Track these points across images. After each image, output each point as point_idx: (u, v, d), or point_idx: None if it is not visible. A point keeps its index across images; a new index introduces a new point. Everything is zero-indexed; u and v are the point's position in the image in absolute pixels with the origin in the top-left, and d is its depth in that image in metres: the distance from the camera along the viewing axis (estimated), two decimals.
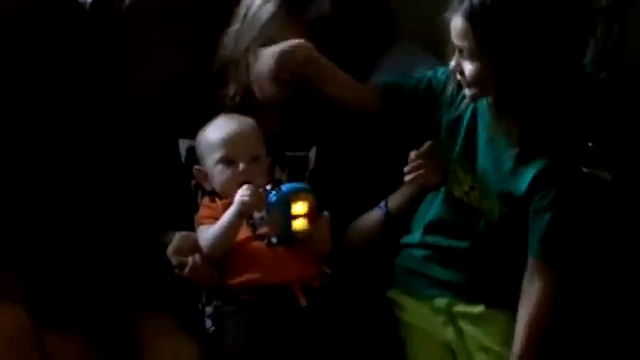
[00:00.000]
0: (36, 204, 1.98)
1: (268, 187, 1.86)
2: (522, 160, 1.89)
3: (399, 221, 2.06)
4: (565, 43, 1.84)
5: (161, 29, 2.14)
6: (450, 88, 1.97)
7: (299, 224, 1.86)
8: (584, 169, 2.22)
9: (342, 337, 1.87)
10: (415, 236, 2.03)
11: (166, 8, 2.16)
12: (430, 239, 2.01)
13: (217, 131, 1.95)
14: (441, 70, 2.01)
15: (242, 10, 2.01)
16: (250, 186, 1.86)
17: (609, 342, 2.07)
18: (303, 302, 1.86)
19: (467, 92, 1.92)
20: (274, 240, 1.89)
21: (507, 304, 1.93)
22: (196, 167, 1.97)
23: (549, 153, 1.88)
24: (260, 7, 1.98)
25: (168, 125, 2.03)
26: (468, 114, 1.98)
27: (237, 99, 2.03)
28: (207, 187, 1.97)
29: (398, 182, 2.03)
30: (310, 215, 1.87)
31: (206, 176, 1.96)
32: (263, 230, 1.89)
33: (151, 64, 2.13)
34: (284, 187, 1.86)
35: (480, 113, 1.96)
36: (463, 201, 1.97)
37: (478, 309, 1.95)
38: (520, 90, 1.84)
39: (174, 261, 1.88)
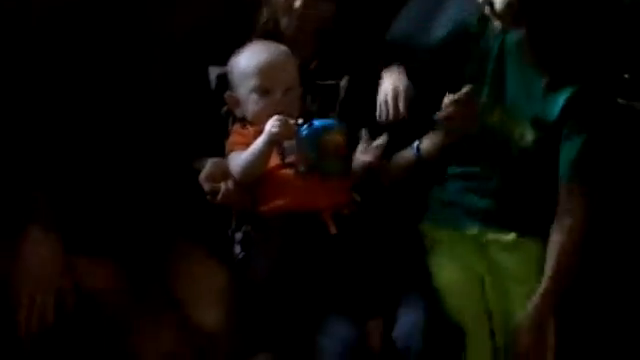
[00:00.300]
0: (70, 133, 1.98)
1: (300, 121, 1.86)
2: (552, 88, 1.87)
3: (431, 164, 2.02)
4: None
5: None
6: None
7: (328, 160, 1.86)
8: (620, 100, 2.20)
9: (370, 265, 1.88)
10: (451, 168, 2.01)
11: None
12: (464, 170, 1.99)
13: (252, 59, 1.93)
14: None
15: None
16: (280, 117, 1.85)
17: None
18: (333, 230, 1.86)
19: (497, 24, 1.89)
20: (301, 169, 1.88)
21: (540, 233, 1.92)
22: (228, 93, 1.97)
23: (580, 81, 1.86)
24: None
25: (198, 52, 2.01)
26: (495, 48, 1.94)
27: (270, 24, 2.01)
28: (238, 114, 1.96)
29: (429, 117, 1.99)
30: (339, 152, 1.87)
31: (238, 103, 1.95)
32: (291, 159, 1.89)
33: None
34: (315, 122, 1.86)
35: (507, 45, 1.94)
36: (495, 129, 1.95)
37: (510, 236, 1.94)
38: (553, 18, 1.82)
39: (206, 187, 1.89)
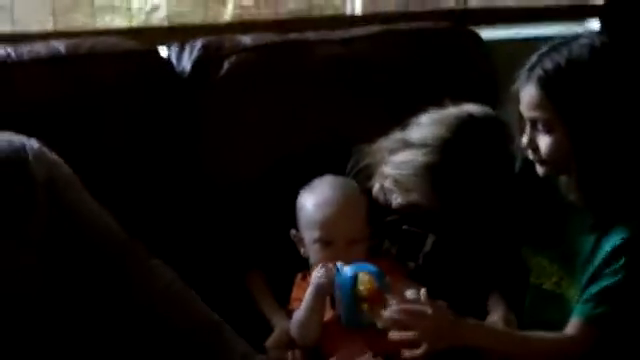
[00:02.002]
0: None
1: (339, 264, 1.80)
2: (600, 230, 1.78)
3: None
4: None
5: (264, 99, 2.12)
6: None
7: (361, 307, 1.77)
8: None
9: None
10: None
11: (263, 76, 2.14)
12: None
13: (317, 208, 1.88)
14: None
15: (399, 157, 1.89)
16: (325, 265, 1.80)
17: None
18: None
19: (540, 170, 1.80)
20: (343, 321, 1.82)
21: None
22: (294, 232, 1.93)
23: (629, 222, 1.77)
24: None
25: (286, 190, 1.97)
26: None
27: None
28: (302, 253, 1.92)
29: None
30: (373, 299, 1.77)
31: (302, 242, 1.92)
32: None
33: (250, 137, 2.11)
34: (349, 267, 1.78)
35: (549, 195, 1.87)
36: (555, 293, 1.87)
37: None
38: (603, 160, 1.73)
39: (273, 355, 1.83)
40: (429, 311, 1.71)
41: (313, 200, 1.90)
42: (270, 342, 1.86)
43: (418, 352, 1.72)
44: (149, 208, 2.05)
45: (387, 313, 1.72)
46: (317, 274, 1.80)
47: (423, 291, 1.74)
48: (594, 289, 1.78)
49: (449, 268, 1.94)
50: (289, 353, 1.83)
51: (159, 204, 2.07)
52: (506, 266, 1.94)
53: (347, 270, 1.78)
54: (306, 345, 1.84)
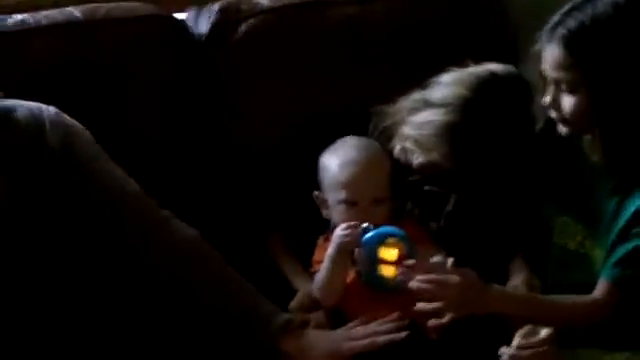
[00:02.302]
0: None
1: (364, 225, 1.79)
2: (624, 197, 1.76)
3: None
4: None
5: (277, 60, 2.10)
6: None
7: (385, 270, 1.78)
8: None
9: None
10: None
11: (281, 38, 2.12)
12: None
13: (341, 168, 1.87)
14: None
15: (420, 117, 1.88)
16: (349, 224, 1.80)
17: None
18: (433, 335, 1.78)
19: (562, 129, 1.78)
20: (364, 280, 1.82)
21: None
22: (316, 193, 1.92)
23: None
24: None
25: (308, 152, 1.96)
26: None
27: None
28: (325, 215, 1.92)
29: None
30: (399, 262, 1.78)
31: (326, 204, 1.91)
32: (358, 268, 1.83)
33: (269, 96, 2.10)
34: (376, 229, 1.78)
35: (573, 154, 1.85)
36: (579, 252, 1.85)
37: (624, 356, 1.81)
38: (627, 122, 1.71)
39: (296, 318, 1.81)
40: (455, 280, 1.70)
41: (337, 160, 1.88)
42: (293, 304, 1.86)
43: (444, 321, 1.72)
44: (170, 172, 2.05)
45: (414, 283, 1.71)
46: (340, 232, 1.80)
47: (450, 260, 1.73)
48: (621, 252, 1.77)
49: (471, 228, 1.93)
50: (312, 316, 1.82)
51: (180, 168, 2.06)
52: (529, 226, 1.92)
53: (375, 231, 1.78)
54: (329, 306, 1.84)
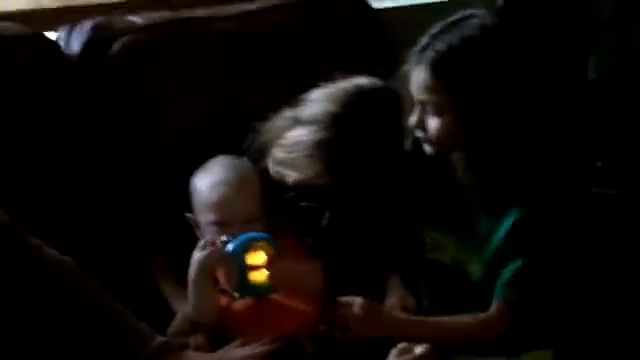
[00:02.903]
0: None
1: (223, 238, 1.78)
2: (494, 211, 1.78)
3: None
4: (540, 84, 1.77)
5: (154, 76, 2.09)
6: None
7: (257, 276, 1.78)
8: (594, 189, 2.19)
9: None
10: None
11: (156, 55, 2.10)
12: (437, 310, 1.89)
13: (211, 191, 1.85)
14: None
15: (291, 136, 1.89)
16: (205, 241, 1.78)
17: None
18: (310, 349, 1.79)
19: (428, 149, 1.78)
20: (236, 295, 1.81)
21: (526, 348, 1.86)
22: (188, 215, 1.90)
23: (524, 202, 1.76)
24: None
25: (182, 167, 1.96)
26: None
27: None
28: (198, 236, 1.89)
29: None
30: (269, 265, 1.79)
31: (198, 225, 1.89)
32: (224, 285, 1.83)
33: (149, 110, 2.08)
34: (240, 237, 1.78)
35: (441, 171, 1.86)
36: (451, 266, 1.86)
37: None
38: (493, 140, 1.72)
39: (175, 342, 1.79)
40: (359, 300, 1.74)
41: (207, 182, 1.87)
42: (171, 329, 1.84)
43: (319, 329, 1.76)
44: (49, 194, 2.00)
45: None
46: (199, 253, 1.78)
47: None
48: (507, 274, 1.78)
49: (347, 242, 1.93)
50: (191, 339, 1.81)
51: (60, 189, 2.02)
52: (403, 241, 1.93)
53: (237, 240, 1.77)
54: (208, 323, 1.83)
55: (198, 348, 1.79)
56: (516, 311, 1.80)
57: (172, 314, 1.89)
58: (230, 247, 1.77)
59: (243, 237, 1.78)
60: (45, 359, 1.72)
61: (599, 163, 2.23)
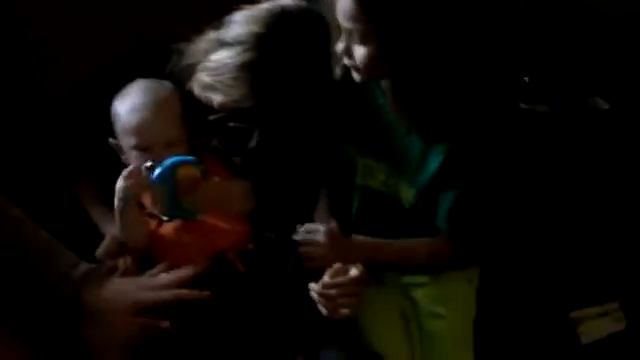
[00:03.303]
0: None
1: (148, 164, 1.77)
2: (426, 141, 1.81)
3: None
4: (463, 5, 1.76)
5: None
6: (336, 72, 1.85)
7: (184, 199, 1.79)
8: (522, 105, 2.21)
9: (287, 302, 1.85)
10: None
11: None
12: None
13: (131, 115, 1.83)
14: None
15: (215, 58, 1.85)
16: (129, 170, 1.77)
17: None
18: (240, 267, 1.82)
19: (356, 76, 1.80)
20: (165, 218, 1.82)
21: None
22: (112, 140, 1.89)
23: (453, 134, 1.79)
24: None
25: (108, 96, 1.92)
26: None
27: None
28: (123, 160, 1.88)
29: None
30: (196, 187, 1.80)
31: (121, 150, 1.88)
32: (151, 209, 1.83)
33: (69, 45, 2.07)
34: (165, 162, 1.78)
35: (371, 97, 1.87)
36: (382, 192, 1.89)
37: (424, 278, 1.92)
38: (418, 70, 1.73)
39: (104, 265, 1.81)
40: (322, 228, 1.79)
41: (126, 106, 1.85)
42: (100, 251, 1.84)
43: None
44: None
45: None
46: (122, 181, 1.77)
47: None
48: (446, 204, 1.82)
49: (274, 162, 1.94)
50: (120, 260, 1.82)
51: None
52: (331, 164, 1.95)
53: (164, 165, 1.77)
54: (138, 247, 1.83)
55: (127, 271, 1.80)
56: (460, 240, 1.85)
57: (101, 238, 1.89)
58: (155, 173, 1.77)
59: (167, 162, 1.77)
60: None
61: (526, 79, 2.25)
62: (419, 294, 1.93)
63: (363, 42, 1.72)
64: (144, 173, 1.77)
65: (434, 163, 1.80)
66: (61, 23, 2.06)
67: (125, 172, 1.78)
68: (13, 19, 2.05)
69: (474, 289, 1.96)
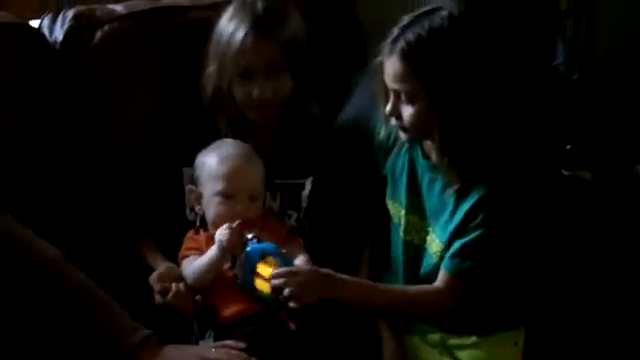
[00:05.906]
0: None
1: (249, 235, 1.85)
2: (461, 195, 1.87)
3: None
4: (509, 71, 1.86)
5: (135, 64, 2.13)
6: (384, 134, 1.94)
7: (260, 284, 1.83)
8: (564, 172, 2.25)
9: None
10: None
11: (138, 42, 2.15)
12: None
13: (221, 162, 1.93)
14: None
15: (214, 47, 1.99)
16: (231, 225, 1.84)
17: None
18: (292, 326, 1.85)
19: (403, 136, 1.88)
20: (239, 284, 1.87)
21: (497, 329, 1.94)
22: (190, 187, 1.96)
23: (489, 183, 1.85)
24: (230, 39, 1.96)
25: (168, 155, 2.02)
26: (406, 160, 1.95)
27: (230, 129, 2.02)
28: (198, 210, 1.96)
29: None
30: (269, 282, 1.83)
31: (199, 199, 1.95)
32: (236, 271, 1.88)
33: (129, 98, 2.13)
34: (255, 245, 1.84)
35: (415, 156, 1.94)
36: (422, 247, 1.94)
37: (471, 340, 1.93)
38: (465, 128, 1.81)
39: (157, 287, 1.85)
40: (305, 269, 1.82)
41: (217, 156, 1.94)
42: (155, 275, 1.88)
43: (293, 305, 1.80)
44: (33, 177, 2.05)
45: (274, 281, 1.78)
46: (222, 232, 1.84)
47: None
48: (458, 245, 1.87)
49: (327, 217, 2.02)
50: (173, 285, 1.85)
51: (46, 175, 2.07)
52: (375, 219, 2.02)
53: (258, 246, 1.84)
54: (194, 287, 1.88)
55: (178, 293, 1.84)
56: (458, 280, 1.88)
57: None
58: (249, 249, 1.84)
59: (263, 246, 1.85)
60: (31, 350, 1.78)
61: (569, 146, 2.30)
62: (464, 356, 1.94)
63: (411, 101, 1.80)
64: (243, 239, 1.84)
65: (460, 213, 1.86)
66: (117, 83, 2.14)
67: (226, 226, 1.84)
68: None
69: (520, 350, 1.98)
